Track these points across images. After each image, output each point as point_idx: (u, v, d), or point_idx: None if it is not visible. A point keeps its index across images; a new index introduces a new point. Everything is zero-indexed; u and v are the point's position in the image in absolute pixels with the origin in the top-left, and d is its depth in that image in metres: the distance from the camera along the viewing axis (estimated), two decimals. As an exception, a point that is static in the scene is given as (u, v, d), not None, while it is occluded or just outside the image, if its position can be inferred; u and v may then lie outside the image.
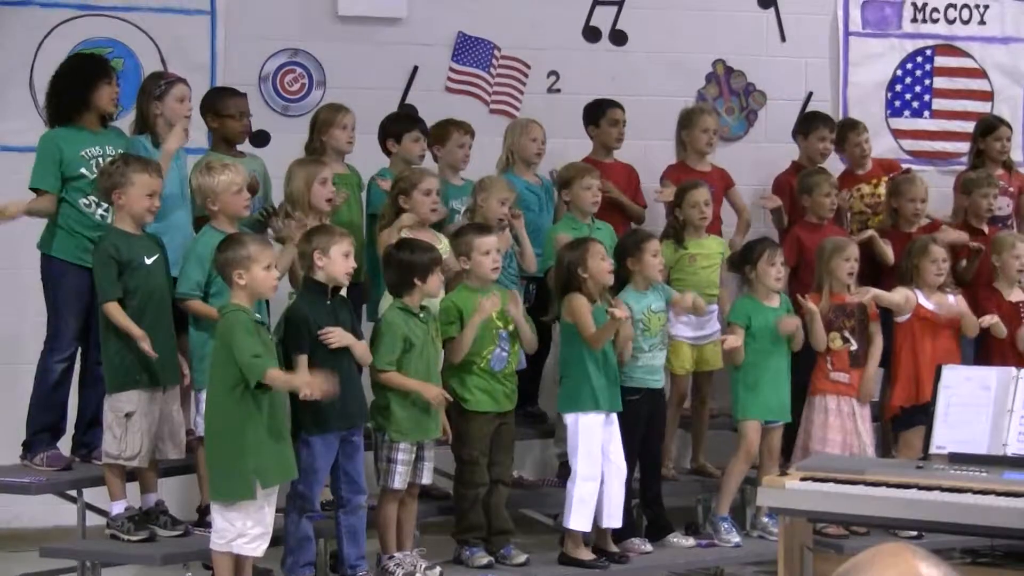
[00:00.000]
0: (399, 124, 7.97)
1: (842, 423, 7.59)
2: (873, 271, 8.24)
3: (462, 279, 7.05)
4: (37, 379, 6.92)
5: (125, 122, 7.25)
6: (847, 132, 8.98)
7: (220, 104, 7.43)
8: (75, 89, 6.95)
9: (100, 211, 6.83)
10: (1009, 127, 9.11)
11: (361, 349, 6.48)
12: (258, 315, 6.12)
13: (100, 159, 6.84)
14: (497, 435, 7.05)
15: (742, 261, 7.73)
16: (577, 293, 7.09)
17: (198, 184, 6.66)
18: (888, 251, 8.28)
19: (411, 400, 6.65)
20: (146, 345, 6.28)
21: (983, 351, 8.17)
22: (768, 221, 9.01)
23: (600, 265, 7.10)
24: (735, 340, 7.47)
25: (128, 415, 6.36)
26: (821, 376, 7.67)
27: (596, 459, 7.08)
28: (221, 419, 6.01)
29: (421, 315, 6.69)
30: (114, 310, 6.35)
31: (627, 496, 7.27)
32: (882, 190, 8.81)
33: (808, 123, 9.01)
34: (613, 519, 7.18)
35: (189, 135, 7.05)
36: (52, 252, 6.88)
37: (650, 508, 7.63)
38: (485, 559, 6.99)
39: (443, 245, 7.11)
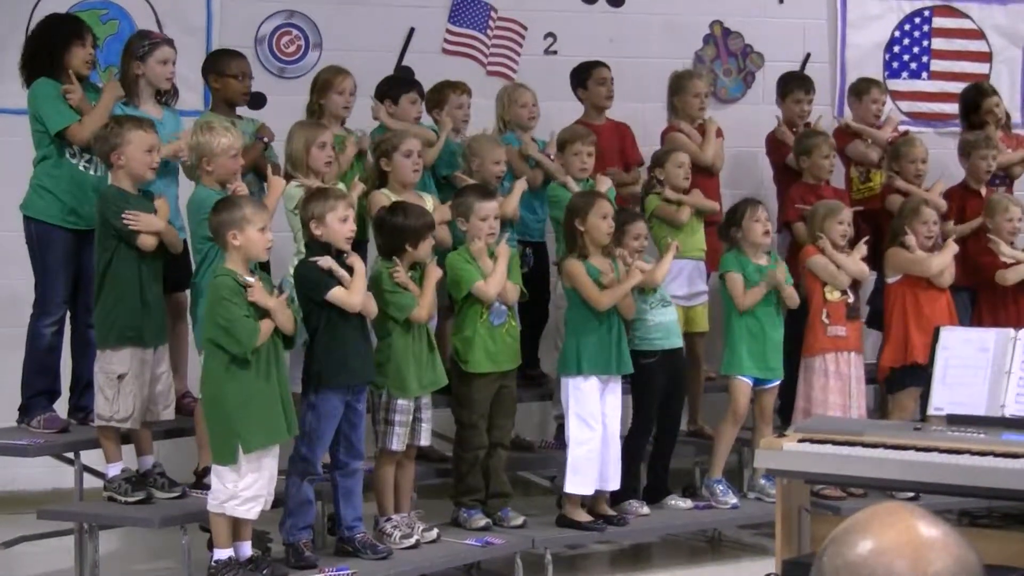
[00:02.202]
0: (395, 86, 7.93)
1: (841, 385, 7.58)
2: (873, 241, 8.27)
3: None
4: (28, 344, 6.90)
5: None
6: (870, 86, 8.96)
7: (222, 65, 7.38)
8: (47, 50, 6.89)
9: (83, 161, 6.82)
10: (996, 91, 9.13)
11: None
12: (252, 276, 6.02)
13: None
14: (498, 398, 7.05)
15: (728, 225, 7.72)
16: (574, 260, 7.10)
17: (197, 141, 6.54)
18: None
19: (413, 352, 6.62)
20: None
21: (977, 313, 8.17)
22: (767, 182, 9.00)
23: (599, 224, 7.08)
24: (780, 272, 7.54)
25: (120, 377, 6.34)
26: (818, 333, 7.64)
27: (592, 423, 7.08)
28: (211, 382, 6.01)
29: (410, 274, 6.65)
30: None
31: (629, 459, 7.31)
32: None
33: (784, 85, 8.97)
34: (610, 482, 7.19)
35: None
36: (36, 215, 6.83)
37: (655, 471, 7.64)
38: (483, 521, 7.00)
39: (428, 204, 7.08)
